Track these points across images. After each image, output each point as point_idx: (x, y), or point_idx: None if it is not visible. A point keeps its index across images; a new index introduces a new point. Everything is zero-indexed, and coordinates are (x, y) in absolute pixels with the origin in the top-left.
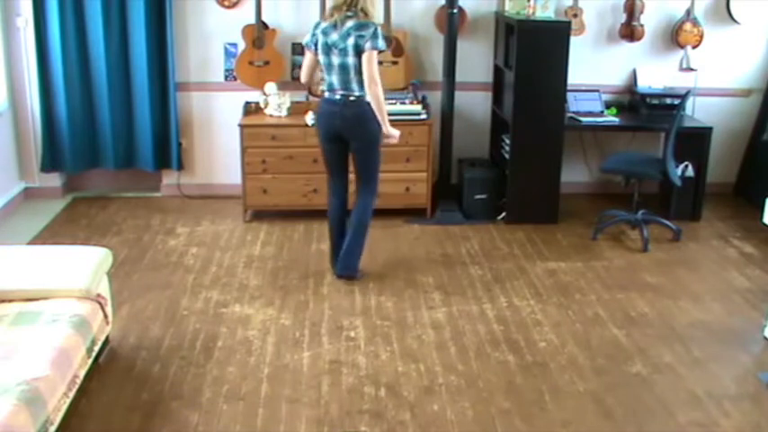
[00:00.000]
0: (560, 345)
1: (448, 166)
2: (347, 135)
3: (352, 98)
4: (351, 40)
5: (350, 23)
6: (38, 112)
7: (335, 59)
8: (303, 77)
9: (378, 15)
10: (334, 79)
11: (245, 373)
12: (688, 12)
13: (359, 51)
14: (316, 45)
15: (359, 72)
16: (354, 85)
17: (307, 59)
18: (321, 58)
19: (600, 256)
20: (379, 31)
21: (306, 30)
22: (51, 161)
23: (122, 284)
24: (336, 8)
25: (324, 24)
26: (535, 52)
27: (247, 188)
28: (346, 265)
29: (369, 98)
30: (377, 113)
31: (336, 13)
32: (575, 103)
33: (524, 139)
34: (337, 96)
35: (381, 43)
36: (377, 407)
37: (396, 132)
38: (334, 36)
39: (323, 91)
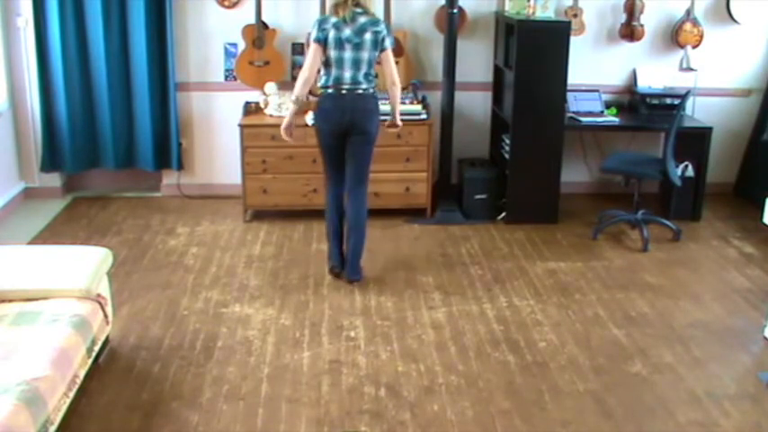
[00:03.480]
0: (560, 345)
1: (448, 166)
2: (354, 128)
3: (359, 92)
4: (368, 36)
5: (363, 19)
6: (38, 112)
7: (348, 54)
8: (310, 71)
9: (374, 10)
10: (344, 73)
11: (245, 373)
12: (688, 12)
13: (377, 47)
14: (325, 40)
15: (369, 66)
16: (362, 79)
17: (317, 53)
18: (332, 52)
19: (600, 256)
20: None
21: (306, 29)
22: (51, 161)
23: (122, 284)
24: (340, 5)
25: (334, 19)
26: (535, 52)
27: (247, 188)
28: (355, 269)
29: (395, 90)
30: (396, 102)
31: (342, 10)
32: (575, 103)
33: (524, 139)
34: (344, 90)
35: (393, 40)
36: (377, 407)
37: (400, 123)
38: (347, 31)
39: (323, 87)
